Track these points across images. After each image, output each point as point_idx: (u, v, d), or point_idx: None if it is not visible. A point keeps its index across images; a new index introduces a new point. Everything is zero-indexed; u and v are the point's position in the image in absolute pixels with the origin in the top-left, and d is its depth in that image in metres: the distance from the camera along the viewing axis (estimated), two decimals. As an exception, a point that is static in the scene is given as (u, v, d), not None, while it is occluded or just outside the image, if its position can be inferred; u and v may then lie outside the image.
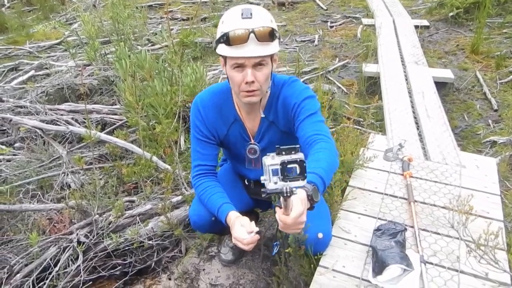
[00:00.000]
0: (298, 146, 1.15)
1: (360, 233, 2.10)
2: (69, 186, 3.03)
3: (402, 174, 2.55)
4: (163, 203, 2.47)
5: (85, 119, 3.73)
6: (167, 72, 3.04)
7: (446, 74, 4.26)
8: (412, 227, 2.10)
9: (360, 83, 4.38)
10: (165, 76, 3.06)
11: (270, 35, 1.54)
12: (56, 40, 5.07)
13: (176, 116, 2.73)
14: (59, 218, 2.49)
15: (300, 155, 1.13)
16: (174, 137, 2.70)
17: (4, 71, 4.44)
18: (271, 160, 1.14)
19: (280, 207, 1.32)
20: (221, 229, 2.03)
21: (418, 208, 2.25)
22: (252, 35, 1.51)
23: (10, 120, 2.97)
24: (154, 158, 2.93)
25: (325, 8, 7.52)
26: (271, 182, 1.15)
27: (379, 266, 1.82)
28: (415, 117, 3.32)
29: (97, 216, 2.56)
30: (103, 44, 4.54)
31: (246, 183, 2.17)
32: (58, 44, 5.14)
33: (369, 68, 4.37)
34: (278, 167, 1.13)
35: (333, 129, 3.58)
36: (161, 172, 2.97)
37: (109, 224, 2.58)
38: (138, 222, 2.63)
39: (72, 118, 3.69)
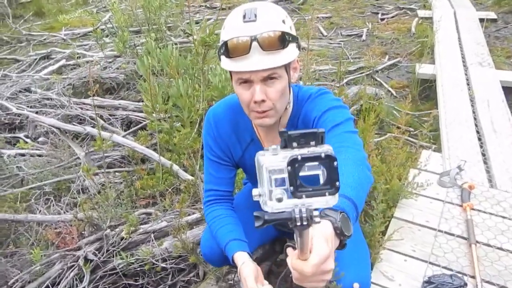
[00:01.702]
0: (322, 130, 0.67)
1: (406, 281, 1.73)
2: (87, 190, 2.85)
3: (461, 206, 2.14)
4: (178, 222, 2.20)
5: (110, 115, 3.54)
6: (194, 71, 2.75)
7: (517, 78, 3.66)
8: (473, 277, 1.71)
9: (413, 86, 3.88)
10: (191, 75, 2.76)
11: (281, 41, 1.19)
12: (92, 27, 4.93)
13: (197, 125, 2.44)
14: (68, 230, 2.28)
15: (326, 148, 0.65)
16: (195, 146, 2.41)
17: (36, 59, 4.34)
18: (272, 159, 0.65)
19: (294, 248, 0.84)
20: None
21: (480, 252, 1.85)
22: (255, 43, 1.16)
23: (27, 117, 2.80)
24: (175, 167, 2.67)
25: (376, -3, 6.94)
26: (272, 200, 0.65)
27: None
28: (477, 132, 2.83)
29: (108, 230, 2.33)
30: (135, 34, 4.33)
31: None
32: (92, 32, 5.00)
33: (424, 69, 3.85)
34: (285, 170, 0.63)
35: (378, 140, 3.17)
36: (182, 182, 2.70)
37: (121, 240, 2.35)
38: (153, 240, 2.39)
39: (98, 114, 3.50)
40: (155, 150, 3.13)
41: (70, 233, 2.30)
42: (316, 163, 0.63)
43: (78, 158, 3.04)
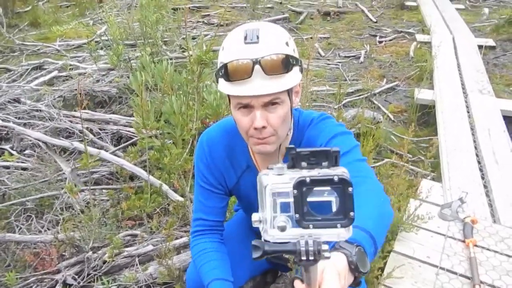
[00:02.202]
0: (335, 149, 0.58)
1: (406, 323, 1.61)
2: (71, 208, 2.71)
3: (464, 241, 2.03)
4: (164, 246, 2.07)
5: (100, 129, 3.42)
6: (188, 88, 2.66)
7: (517, 107, 3.60)
8: (477, 322, 1.59)
9: (411, 111, 3.81)
10: (185, 92, 2.67)
11: (284, 65, 1.10)
12: (87, 39, 4.85)
13: (189, 145, 2.33)
14: (47, 251, 2.14)
15: (340, 171, 0.56)
16: (186, 166, 2.30)
17: (28, 69, 4.23)
18: (276, 179, 0.58)
19: (302, 281, 0.73)
20: None
21: (484, 293, 1.73)
22: (257, 67, 1.08)
23: (13, 129, 2.68)
24: (165, 187, 2.55)
25: (374, 20, 6.96)
26: (273, 228, 0.57)
27: None
28: (479, 162, 2.75)
29: (90, 253, 2.20)
30: (130, 47, 4.24)
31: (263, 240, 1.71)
32: (86, 44, 4.91)
33: (423, 94, 3.80)
34: (291, 194, 0.55)
35: (376, 165, 3.08)
36: (171, 202, 2.58)
37: (104, 263, 2.21)
38: (137, 264, 2.25)
39: (87, 128, 3.38)
40: (145, 167, 3.01)
41: (49, 255, 2.16)
42: (328, 187, 0.54)
43: (64, 173, 2.91)
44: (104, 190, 2.90)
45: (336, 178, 0.54)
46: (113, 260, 2.22)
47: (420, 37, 5.89)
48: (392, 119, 3.87)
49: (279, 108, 1.15)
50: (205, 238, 1.47)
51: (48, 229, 2.48)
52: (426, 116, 3.75)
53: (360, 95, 4.19)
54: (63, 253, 2.25)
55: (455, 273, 1.86)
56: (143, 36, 3.92)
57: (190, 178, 2.50)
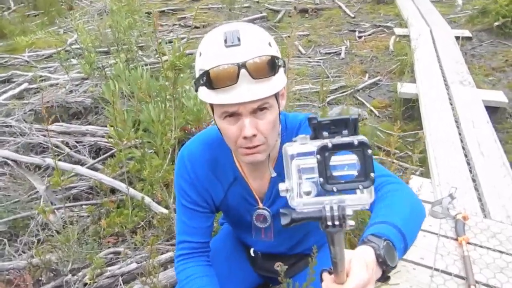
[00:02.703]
0: (354, 117, 0.61)
1: (404, 330, 1.55)
2: (48, 228, 2.57)
3: (456, 239, 1.98)
4: (148, 264, 1.96)
5: (77, 142, 3.28)
6: (166, 94, 2.55)
7: (498, 97, 3.59)
8: (475, 323, 1.54)
9: (395, 105, 3.78)
10: (163, 99, 2.56)
11: (271, 66, 1.02)
12: (58, 48, 4.65)
13: (169, 155, 2.23)
14: (21, 278, 2.01)
15: (359, 138, 0.58)
16: (168, 177, 2.20)
17: (-5, 82, 4.05)
18: (299, 148, 0.62)
19: (330, 273, 0.76)
20: None
21: (481, 293, 1.68)
22: (243, 71, 0.99)
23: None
24: (147, 200, 2.43)
25: (352, 15, 6.93)
26: (299, 197, 0.61)
27: None
28: (465, 154, 2.72)
29: (69, 276, 2.07)
30: (104, 55, 4.09)
31: (252, 254, 1.63)
32: (55, 54, 4.72)
33: (405, 88, 3.76)
34: (315, 159, 0.58)
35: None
36: (154, 216, 2.47)
37: (85, 286, 2.09)
38: (121, 284, 2.14)
39: (63, 142, 3.24)
40: (124, 180, 2.89)
41: (24, 281, 2.02)
42: (349, 151, 0.58)
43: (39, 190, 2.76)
44: (83, 206, 2.77)
45: (356, 142, 0.57)
46: (95, 282, 2.10)
47: (398, 30, 5.88)
48: (377, 114, 3.83)
49: (268, 113, 1.07)
50: (191, 262, 1.37)
51: (23, 252, 2.34)
52: (411, 110, 3.71)
53: (343, 92, 4.14)
54: (40, 278, 2.12)
55: (449, 273, 1.80)
56: (116, 43, 3.77)
57: (173, 189, 2.40)
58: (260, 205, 1.35)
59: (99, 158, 3.11)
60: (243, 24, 1.07)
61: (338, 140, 0.57)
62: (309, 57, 5.29)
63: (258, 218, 1.36)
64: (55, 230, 2.44)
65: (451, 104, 3.43)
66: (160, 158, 2.55)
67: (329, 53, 5.41)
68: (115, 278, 2.16)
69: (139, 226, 2.51)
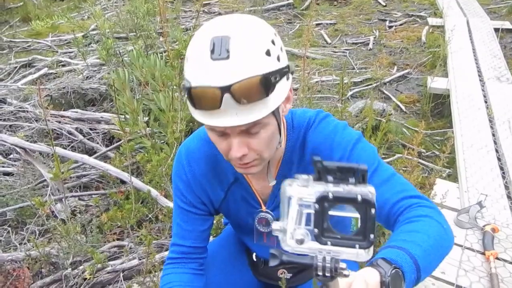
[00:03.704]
0: (363, 168, 0.58)
1: None
2: (55, 216, 2.54)
3: (483, 254, 1.79)
4: (146, 264, 1.88)
5: (91, 129, 3.23)
6: (173, 84, 2.43)
7: (539, 96, 3.29)
8: None
9: (424, 101, 3.53)
10: (176, 89, 2.44)
11: (263, 88, 0.84)
12: (80, 33, 4.63)
13: (174, 149, 2.12)
14: (21, 270, 1.96)
15: (366, 190, 0.56)
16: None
17: (16, 67, 4.04)
18: (301, 191, 0.60)
19: None
20: None
21: (509, 317, 1.50)
22: (227, 95, 0.83)
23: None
24: (154, 193, 2.35)
25: (383, 4, 6.60)
26: (291, 239, 0.59)
27: None
28: (499, 158, 2.48)
29: (69, 270, 2.02)
30: (123, 41, 4.02)
31: (254, 259, 1.50)
32: (73, 40, 4.67)
33: (436, 83, 3.51)
34: (313, 206, 0.57)
35: (386, 161, 2.83)
36: (161, 209, 2.38)
37: (85, 280, 2.03)
38: (121, 281, 2.07)
39: (76, 129, 3.20)
40: (136, 169, 2.82)
41: (23, 273, 1.98)
42: (353, 207, 0.56)
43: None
44: (94, 195, 2.72)
45: (359, 198, 0.55)
46: (95, 277, 2.04)
47: (432, 20, 5.53)
48: (404, 110, 3.59)
49: (262, 132, 0.92)
50: (178, 268, 1.25)
51: (29, 241, 2.31)
52: (440, 107, 3.46)
53: (368, 85, 3.91)
54: (40, 270, 2.07)
55: (474, 292, 1.62)
56: (135, 29, 3.69)
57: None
58: (263, 208, 1.22)
59: (111, 147, 3.05)
60: (239, 24, 0.87)
61: (341, 191, 0.56)
62: (335, 47, 5.06)
63: (261, 222, 1.24)
64: (61, 219, 2.41)
65: (486, 102, 3.16)
66: (170, 148, 2.46)
67: (356, 43, 5.16)
68: (116, 273, 2.10)
69: (147, 218, 2.44)
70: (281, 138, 1.04)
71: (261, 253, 1.43)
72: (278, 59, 0.87)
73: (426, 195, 2.02)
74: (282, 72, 0.88)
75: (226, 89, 0.81)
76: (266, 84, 0.84)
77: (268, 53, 0.85)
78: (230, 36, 0.82)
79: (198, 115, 0.90)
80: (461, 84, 3.48)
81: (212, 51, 0.82)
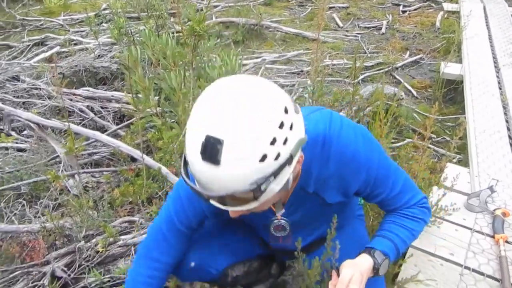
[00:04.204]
0: None
1: (425, 332, 1.41)
2: (68, 191, 2.58)
3: (493, 237, 1.79)
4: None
5: (102, 107, 3.26)
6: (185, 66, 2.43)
7: (555, 83, 3.23)
8: (507, 332, 1.38)
9: (436, 86, 3.49)
10: (189, 67, 2.44)
11: (253, 195, 0.85)
12: (93, 12, 4.63)
13: (185, 126, 2.13)
14: (36, 242, 2.01)
15: None
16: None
17: (29, 45, 4.07)
18: None
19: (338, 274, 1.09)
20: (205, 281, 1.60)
21: (517, 299, 1.51)
22: (216, 200, 0.89)
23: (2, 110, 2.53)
24: (164, 170, 2.37)
25: (398, -12, 6.47)
26: None
27: None
28: None
29: (82, 242, 2.06)
30: (134, 21, 4.01)
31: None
32: (86, 18, 4.67)
33: (449, 68, 3.46)
34: None
35: (396, 146, 2.82)
36: (171, 186, 2.41)
37: (97, 253, 2.07)
38: (133, 254, 2.11)
39: (88, 106, 3.22)
40: (145, 148, 2.84)
41: (38, 244, 2.02)
42: None
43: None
44: (105, 172, 2.76)
45: None
46: (107, 250, 2.08)
47: (447, 6, 5.43)
48: (415, 95, 3.56)
49: (261, 205, 0.93)
50: (149, 271, 1.32)
51: (42, 215, 2.35)
52: (453, 93, 3.43)
53: (380, 69, 3.87)
54: (54, 242, 2.12)
55: (482, 273, 1.63)
56: (147, 8, 3.68)
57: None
58: (279, 216, 1.22)
59: (122, 125, 3.08)
60: (236, 121, 0.79)
61: None
62: (347, 31, 4.99)
63: (277, 228, 1.26)
64: (74, 194, 2.45)
65: (500, 89, 3.12)
66: (181, 127, 2.47)
67: (369, 27, 5.09)
68: (127, 247, 2.14)
69: (156, 196, 2.47)
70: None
71: (274, 246, 1.43)
72: (277, 156, 0.82)
73: (435, 180, 2.02)
74: (280, 169, 0.84)
75: (216, 196, 0.85)
76: (255, 193, 0.83)
77: (263, 158, 0.80)
78: (223, 140, 0.78)
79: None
80: (476, 70, 3.43)
81: (203, 152, 0.79)
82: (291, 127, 0.83)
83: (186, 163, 0.87)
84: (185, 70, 2.31)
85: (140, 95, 2.57)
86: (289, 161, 0.85)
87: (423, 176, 1.91)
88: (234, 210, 0.92)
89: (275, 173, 0.83)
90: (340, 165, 1.07)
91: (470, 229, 1.85)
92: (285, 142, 0.82)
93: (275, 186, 0.87)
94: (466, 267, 1.66)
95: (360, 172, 1.09)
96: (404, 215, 1.21)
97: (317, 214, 1.22)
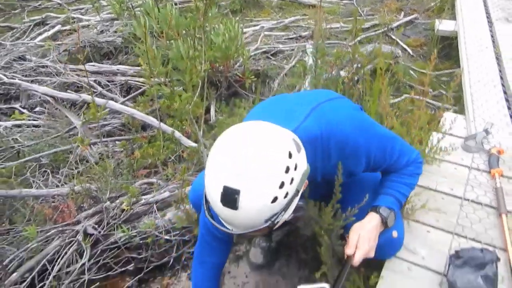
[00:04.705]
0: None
1: (430, 254, 1.58)
2: (85, 161, 2.71)
3: (489, 172, 1.94)
4: (180, 192, 2.06)
5: (108, 81, 3.35)
6: (195, 31, 2.52)
7: (546, 34, 3.34)
8: (505, 250, 1.55)
9: (431, 44, 3.59)
10: (192, 36, 2.53)
11: (268, 228, 1.00)
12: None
13: (199, 89, 2.24)
14: (65, 204, 2.15)
15: None
16: (198, 111, 2.23)
17: (30, 25, 4.11)
18: None
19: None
20: None
21: (512, 222, 1.66)
22: (236, 234, 1.02)
23: (19, 87, 2.62)
24: (177, 134, 2.50)
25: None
26: None
27: (459, 312, 1.31)
28: (505, 92, 2.59)
29: (108, 203, 2.20)
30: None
31: None
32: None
33: (444, 25, 3.56)
34: None
35: (394, 101, 2.95)
36: (184, 149, 2.54)
37: (122, 212, 2.22)
38: (155, 211, 2.26)
39: (95, 81, 3.32)
40: (155, 117, 2.96)
41: (67, 207, 2.17)
42: None
43: (76, 127, 2.88)
44: (117, 142, 2.88)
45: None
46: (131, 209, 2.22)
47: (439, -35, 5.44)
48: (411, 53, 3.67)
49: None
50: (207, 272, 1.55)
51: (65, 183, 2.49)
52: (448, 49, 3.53)
53: (376, 31, 3.96)
54: (82, 205, 2.26)
55: (480, 203, 1.79)
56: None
57: (202, 123, 2.45)
58: None
59: (129, 96, 3.18)
60: (249, 173, 0.92)
61: None
62: (341, -5, 5.04)
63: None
64: (94, 162, 2.58)
65: (494, 42, 3.23)
66: (187, 94, 2.58)
67: (363, -10, 5.12)
68: (149, 205, 2.28)
69: (170, 160, 2.60)
70: None
71: None
72: (286, 195, 0.96)
73: (434, 126, 2.15)
74: (289, 203, 0.99)
75: (234, 232, 1.00)
76: (270, 226, 0.97)
77: (275, 199, 0.94)
78: (240, 190, 0.91)
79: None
80: (469, 25, 3.52)
81: (223, 200, 0.93)
82: (295, 168, 0.97)
83: (207, 201, 1.01)
84: (195, 37, 2.40)
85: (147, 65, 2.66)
86: (296, 194, 1.01)
87: (421, 125, 2.05)
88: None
89: (285, 208, 0.99)
90: (341, 157, 1.22)
91: (468, 167, 2.00)
92: (291, 182, 0.97)
93: (286, 216, 1.03)
94: (465, 199, 1.81)
95: (360, 158, 1.24)
96: (403, 173, 1.37)
97: (329, 191, 1.38)
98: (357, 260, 1.24)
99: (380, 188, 1.39)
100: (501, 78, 2.73)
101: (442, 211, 1.77)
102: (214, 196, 0.94)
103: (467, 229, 1.67)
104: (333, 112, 1.22)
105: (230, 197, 0.91)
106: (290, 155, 0.96)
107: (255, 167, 0.92)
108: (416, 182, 1.42)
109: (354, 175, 1.32)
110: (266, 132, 0.99)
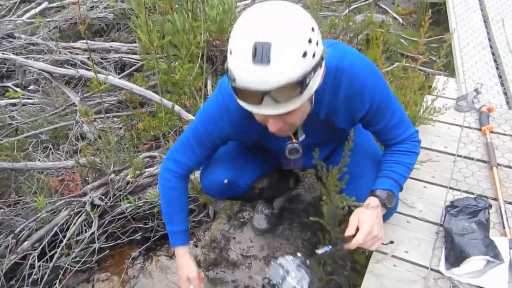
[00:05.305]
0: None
1: (427, 207, 1.68)
2: (85, 137, 2.73)
3: (480, 129, 2.04)
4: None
5: (102, 59, 3.34)
6: (189, 4, 2.52)
7: (532, -3, 3.41)
8: (496, 199, 1.65)
9: (420, 11, 3.64)
10: (186, 10, 2.53)
11: (299, 90, 0.99)
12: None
13: (199, 59, 2.26)
14: (71, 177, 2.19)
15: None
16: (198, 83, 2.26)
17: (16, 2, 4.01)
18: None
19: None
20: (236, 196, 1.74)
21: (502, 174, 1.78)
22: (267, 97, 0.98)
23: (15, 64, 2.61)
24: (177, 108, 2.53)
25: None
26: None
27: (455, 255, 1.41)
28: (493, 53, 2.67)
29: (113, 175, 2.25)
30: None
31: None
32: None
33: (432, -9, 3.60)
34: None
35: (388, 69, 3.01)
36: (185, 122, 2.58)
37: (127, 184, 2.28)
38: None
39: (88, 58, 3.30)
40: (154, 92, 2.97)
41: (73, 180, 2.21)
42: None
43: (73, 104, 2.89)
44: (115, 118, 2.90)
45: None
46: (136, 181, 2.28)
47: None
48: (401, 22, 3.71)
49: (297, 111, 1.07)
50: (178, 182, 1.50)
51: (67, 159, 2.52)
52: (437, 15, 3.58)
53: (366, 1, 3.98)
54: (86, 178, 2.31)
55: (472, 158, 1.88)
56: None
57: (202, 97, 2.48)
58: (293, 139, 1.40)
59: (125, 73, 3.18)
60: (279, 27, 0.94)
61: None
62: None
63: (291, 152, 1.43)
64: (95, 137, 2.60)
65: (481, 4, 3.29)
66: (188, 65, 2.59)
67: (351, -39, 5.10)
68: (153, 177, 2.33)
69: (171, 134, 2.64)
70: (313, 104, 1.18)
71: (286, 165, 1.61)
72: (314, 55, 0.98)
73: (426, 90, 2.21)
74: (316, 67, 1.00)
75: (266, 93, 0.96)
76: (301, 86, 0.98)
77: (305, 54, 0.95)
78: (271, 43, 0.91)
79: (241, 102, 1.06)
80: (457, -10, 3.56)
81: (254, 56, 0.92)
82: (318, 34, 1.01)
83: (234, 86, 1.01)
84: (190, 11, 2.40)
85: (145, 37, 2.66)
86: (320, 62, 1.03)
87: (415, 89, 2.12)
88: (275, 114, 1.03)
89: (314, 69, 1.00)
90: (349, 94, 1.23)
91: (460, 126, 2.09)
92: (317, 43, 0.99)
93: (313, 84, 1.04)
94: (458, 155, 1.91)
95: (365, 100, 1.25)
96: (399, 151, 1.39)
97: (327, 138, 1.42)
98: (357, 241, 1.27)
99: (378, 172, 1.42)
100: (489, 40, 2.81)
101: (437, 167, 1.86)
102: (245, 56, 0.94)
103: (461, 182, 1.76)
104: (350, 52, 1.25)
105: (261, 52, 0.91)
106: (310, 41, 0.98)
107: (284, 22, 0.94)
108: (414, 162, 1.42)
109: (355, 122, 1.34)
110: (291, 5, 1.02)
